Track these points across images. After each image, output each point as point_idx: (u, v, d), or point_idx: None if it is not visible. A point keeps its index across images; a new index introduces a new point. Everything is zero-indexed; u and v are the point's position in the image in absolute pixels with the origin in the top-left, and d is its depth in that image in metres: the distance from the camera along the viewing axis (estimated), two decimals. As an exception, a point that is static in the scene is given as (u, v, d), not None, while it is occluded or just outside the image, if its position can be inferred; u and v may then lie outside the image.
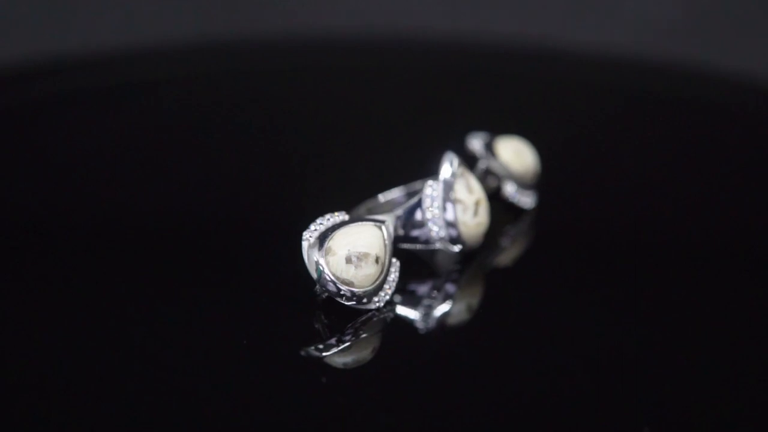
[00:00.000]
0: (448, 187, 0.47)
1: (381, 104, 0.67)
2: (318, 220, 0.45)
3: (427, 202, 0.47)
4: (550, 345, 0.45)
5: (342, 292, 0.44)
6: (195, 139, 0.62)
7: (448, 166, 0.47)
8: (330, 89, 0.70)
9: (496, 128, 0.53)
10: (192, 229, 0.52)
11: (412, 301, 0.47)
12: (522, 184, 0.52)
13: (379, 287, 0.44)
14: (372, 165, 0.59)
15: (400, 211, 0.47)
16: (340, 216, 0.45)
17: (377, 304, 0.45)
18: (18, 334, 0.44)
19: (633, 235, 0.53)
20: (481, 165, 0.51)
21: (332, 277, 0.43)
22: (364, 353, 0.44)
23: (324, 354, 0.44)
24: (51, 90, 0.67)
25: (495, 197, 0.52)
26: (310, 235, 0.44)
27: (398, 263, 0.45)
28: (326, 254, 0.44)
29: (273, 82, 0.72)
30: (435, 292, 0.47)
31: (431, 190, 0.47)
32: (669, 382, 0.43)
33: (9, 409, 0.40)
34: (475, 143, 0.52)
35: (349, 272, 0.44)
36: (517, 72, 0.74)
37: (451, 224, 0.47)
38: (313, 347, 0.44)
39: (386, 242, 0.45)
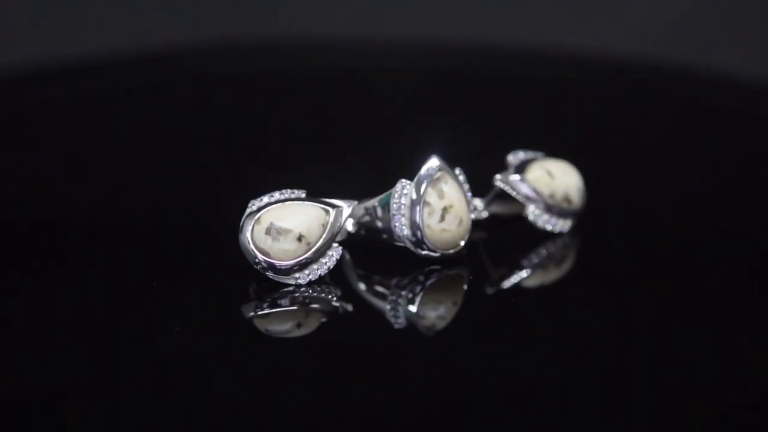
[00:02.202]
0: (418, 187, 0.47)
1: (395, 106, 0.68)
2: (273, 193, 0.47)
3: (394, 198, 0.48)
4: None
5: (257, 260, 0.46)
6: (193, 139, 0.66)
7: (425, 167, 0.48)
8: (342, 90, 0.71)
9: (510, 138, 0.53)
10: (180, 220, 0.56)
11: (382, 293, 0.48)
12: (550, 206, 0.51)
13: (302, 265, 0.46)
14: (380, 165, 0.60)
15: (372, 203, 0.48)
16: (295, 193, 0.47)
17: (297, 281, 0.47)
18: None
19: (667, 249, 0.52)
20: (496, 181, 0.51)
21: (251, 244, 0.46)
22: (289, 326, 0.46)
23: (249, 315, 0.47)
24: (50, 91, 0.74)
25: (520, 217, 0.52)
26: (253, 204, 0.47)
27: (340, 249, 0.47)
28: (254, 222, 0.46)
29: (281, 83, 0.74)
30: (406, 290, 0.48)
31: (401, 187, 0.48)
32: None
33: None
34: (511, 158, 0.52)
35: (266, 243, 0.46)
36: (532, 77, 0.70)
37: (414, 224, 0.47)
38: (245, 306, 0.47)
39: (327, 225, 0.47)
